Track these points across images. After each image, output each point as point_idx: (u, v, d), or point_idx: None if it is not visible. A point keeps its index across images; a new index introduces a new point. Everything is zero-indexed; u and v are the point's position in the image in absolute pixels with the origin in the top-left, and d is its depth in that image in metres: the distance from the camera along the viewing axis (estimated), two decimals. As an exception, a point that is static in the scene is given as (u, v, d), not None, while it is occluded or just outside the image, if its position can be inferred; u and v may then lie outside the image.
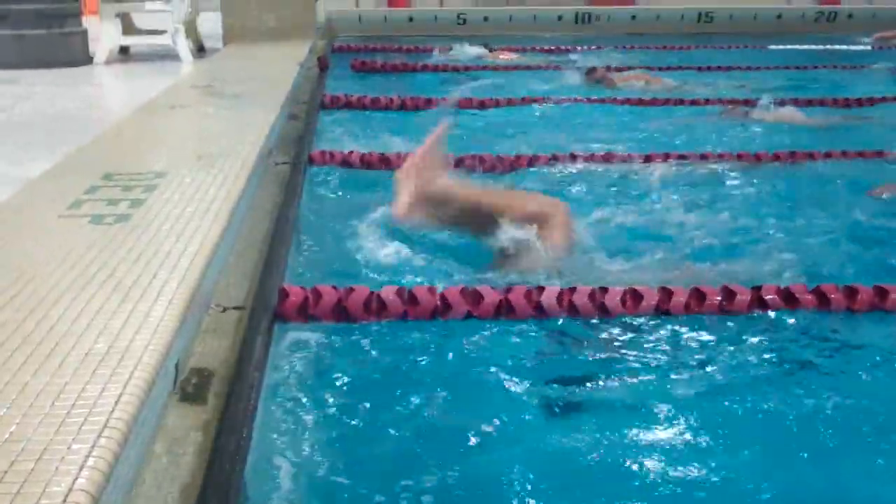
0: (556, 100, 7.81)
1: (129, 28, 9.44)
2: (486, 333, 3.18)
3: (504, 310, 3.25)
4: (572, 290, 3.33)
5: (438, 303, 3.25)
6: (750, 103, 7.44)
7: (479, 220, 3.64)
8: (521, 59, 11.12)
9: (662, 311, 3.30)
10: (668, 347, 3.14)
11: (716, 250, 4.05)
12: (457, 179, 3.84)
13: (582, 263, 3.68)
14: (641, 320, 3.27)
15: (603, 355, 3.11)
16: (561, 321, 3.25)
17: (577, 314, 3.27)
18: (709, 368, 2.98)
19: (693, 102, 7.83)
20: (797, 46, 12.31)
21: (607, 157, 5.70)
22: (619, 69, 9.38)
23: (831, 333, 3.25)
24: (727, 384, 2.87)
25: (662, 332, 3.23)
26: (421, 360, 3.02)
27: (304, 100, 7.12)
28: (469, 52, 11.18)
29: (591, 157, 5.67)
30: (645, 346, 3.15)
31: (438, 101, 7.18)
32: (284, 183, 4.44)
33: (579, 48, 12.03)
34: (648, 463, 2.41)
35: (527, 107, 7.67)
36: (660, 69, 9.55)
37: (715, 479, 2.36)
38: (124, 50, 9.43)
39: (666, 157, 5.70)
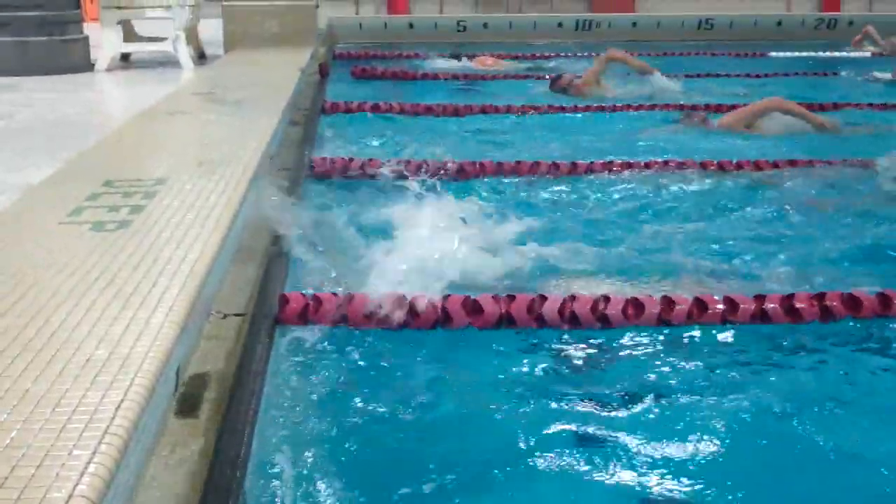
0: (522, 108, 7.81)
1: (130, 35, 9.46)
2: (486, 343, 3.18)
3: (505, 320, 3.26)
4: (573, 298, 3.33)
5: (440, 312, 3.25)
6: (710, 108, 7.45)
7: None
8: (502, 67, 10.94)
9: (664, 321, 3.30)
10: (668, 357, 3.13)
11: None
12: None
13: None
14: (643, 330, 3.27)
15: (602, 365, 3.11)
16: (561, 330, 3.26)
17: (578, 324, 3.27)
18: (709, 378, 2.98)
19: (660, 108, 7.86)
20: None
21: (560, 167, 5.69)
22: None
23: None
24: (726, 390, 2.88)
25: (663, 341, 3.23)
26: (421, 369, 3.02)
27: (305, 106, 7.13)
28: (438, 63, 11.03)
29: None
30: (646, 355, 3.15)
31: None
32: (285, 189, 4.45)
33: (561, 55, 11.96)
34: (649, 473, 2.42)
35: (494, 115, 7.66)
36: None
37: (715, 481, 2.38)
38: (125, 57, 9.45)
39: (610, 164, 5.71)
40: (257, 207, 3.72)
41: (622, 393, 2.86)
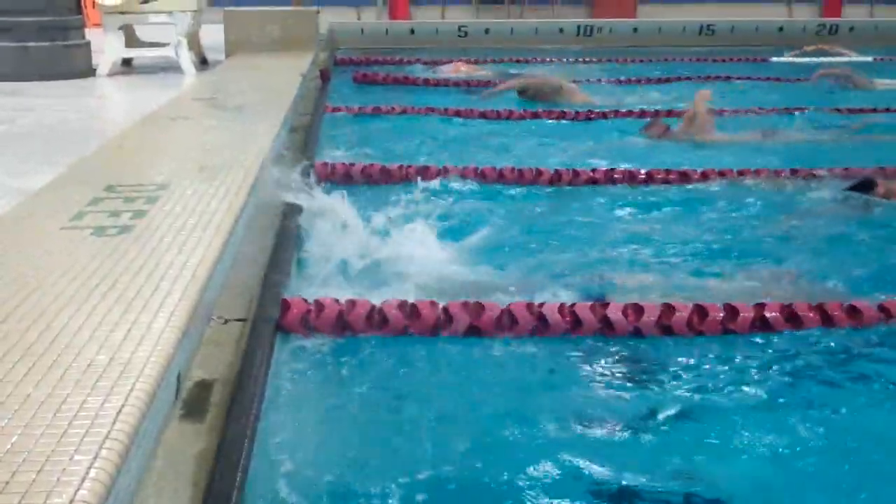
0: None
1: (131, 40, 9.47)
2: (487, 347, 3.18)
3: (506, 323, 3.26)
4: (573, 304, 3.33)
5: (441, 316, 3.25)
6: (673, 114, 7.43)
7: None
8: (478, 73, 10.71)
9: (665, 326, 3.30)
10: (669, 362, 3.13)
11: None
12: None
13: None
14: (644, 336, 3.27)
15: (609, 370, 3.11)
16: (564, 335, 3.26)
17: (581, 328, 3.27)
18: (709, 385, 2.98)
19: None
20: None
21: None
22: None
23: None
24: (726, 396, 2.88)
25: (662, 347, 3.23)
26: (422, 374, 3.02)
27: (306, 111, 7.14)
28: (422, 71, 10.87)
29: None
30: (647, 360, 3.15)
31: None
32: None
33: (536, 59, 11.88)
34: (653, 476, 2.42)
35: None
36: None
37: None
38: (127, 62, 9.46)
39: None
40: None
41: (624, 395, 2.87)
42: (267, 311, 3.05)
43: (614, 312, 3.30)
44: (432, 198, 4.82)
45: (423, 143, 6.81)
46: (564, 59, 12.25)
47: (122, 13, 9.02)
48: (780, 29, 14.82)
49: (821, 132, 7.31)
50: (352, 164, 5.66)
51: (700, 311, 3.34)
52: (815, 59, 11.85)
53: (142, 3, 8.94)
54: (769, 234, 4.67)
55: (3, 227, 3.22)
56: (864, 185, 5.08)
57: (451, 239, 4.11)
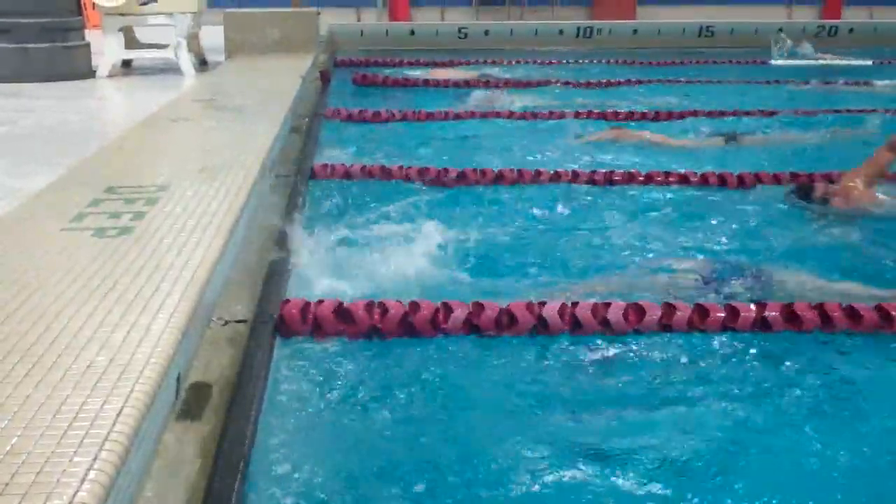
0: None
1: (131, 42, 9.47)
2: (487, 347, 3.18)
3: (506, 323, 3.26)
4: (574, 304, 3.33)
5: (440, 315, 3.25)
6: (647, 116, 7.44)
7: None
8: (456, 75, 10.56)
9: (665, 326, 3.30)
10: (669, 363, 3.13)
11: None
12: None
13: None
14: (643, 336, 3.28)
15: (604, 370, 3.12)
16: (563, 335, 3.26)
17: (580, 328, 3.27)
18: (710, 385, 2.99)
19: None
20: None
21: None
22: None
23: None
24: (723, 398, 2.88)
25: (663, 347, 3.23)
26: (422, 374, 3.02)
27: (306, 113, 7.14)
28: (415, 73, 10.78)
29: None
30: (643, 361, 3.15)
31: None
32: (287, 195, 4.46)
33: (506, 61, 11.83)
34: (647, 475, 2.42)
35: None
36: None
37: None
38: (127, 63, 9.46)
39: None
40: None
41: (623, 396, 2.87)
42: (266, 312, 3.05)
43: (614, 312, 3.30)
44: (432, 198, 4.83)
45: (423, 143, 6.81)
46: (564, 60, 12.24)
47: (122, 15, 9.01)
48: (780, 30, 14.80)
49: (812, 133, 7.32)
50: (351, 165, 5.66)
51: (700, 310, 3.35)
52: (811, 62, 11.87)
53: (141, 4, 8.93)
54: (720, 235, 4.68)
55: (4, 228, 3.22)
56: (803, 189, 5.10)
57: (451, 238, 4.11)
